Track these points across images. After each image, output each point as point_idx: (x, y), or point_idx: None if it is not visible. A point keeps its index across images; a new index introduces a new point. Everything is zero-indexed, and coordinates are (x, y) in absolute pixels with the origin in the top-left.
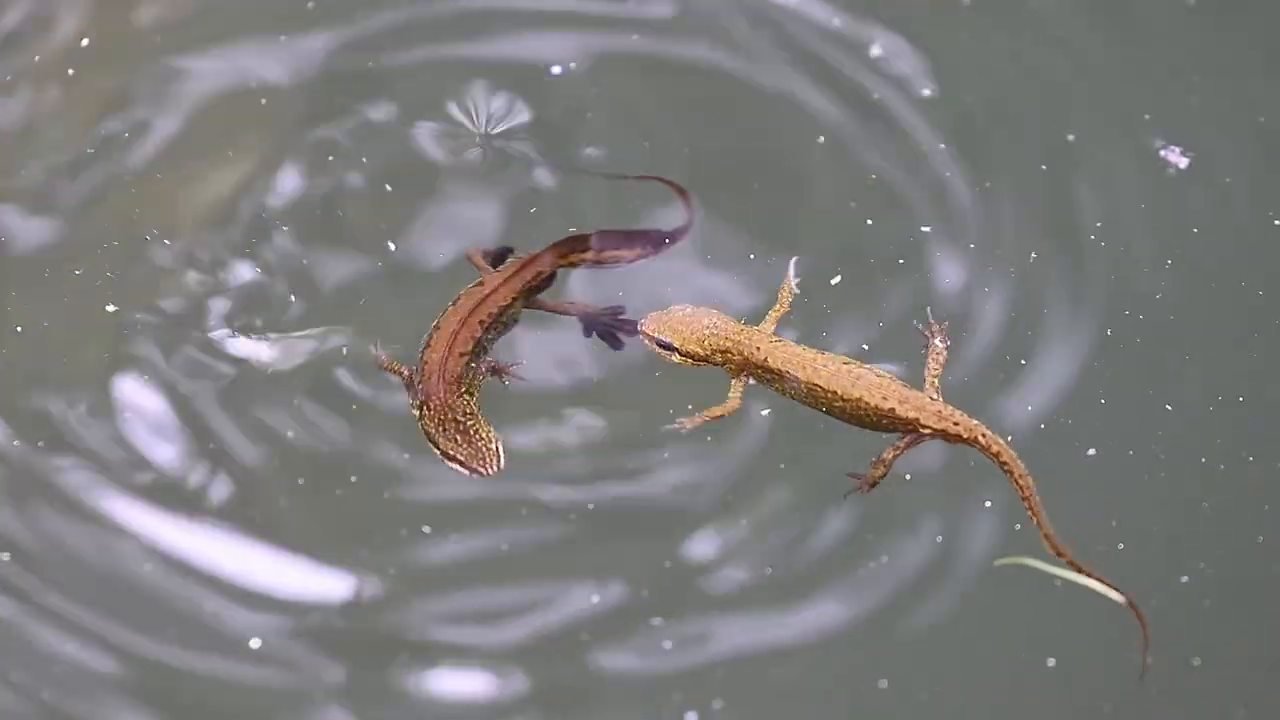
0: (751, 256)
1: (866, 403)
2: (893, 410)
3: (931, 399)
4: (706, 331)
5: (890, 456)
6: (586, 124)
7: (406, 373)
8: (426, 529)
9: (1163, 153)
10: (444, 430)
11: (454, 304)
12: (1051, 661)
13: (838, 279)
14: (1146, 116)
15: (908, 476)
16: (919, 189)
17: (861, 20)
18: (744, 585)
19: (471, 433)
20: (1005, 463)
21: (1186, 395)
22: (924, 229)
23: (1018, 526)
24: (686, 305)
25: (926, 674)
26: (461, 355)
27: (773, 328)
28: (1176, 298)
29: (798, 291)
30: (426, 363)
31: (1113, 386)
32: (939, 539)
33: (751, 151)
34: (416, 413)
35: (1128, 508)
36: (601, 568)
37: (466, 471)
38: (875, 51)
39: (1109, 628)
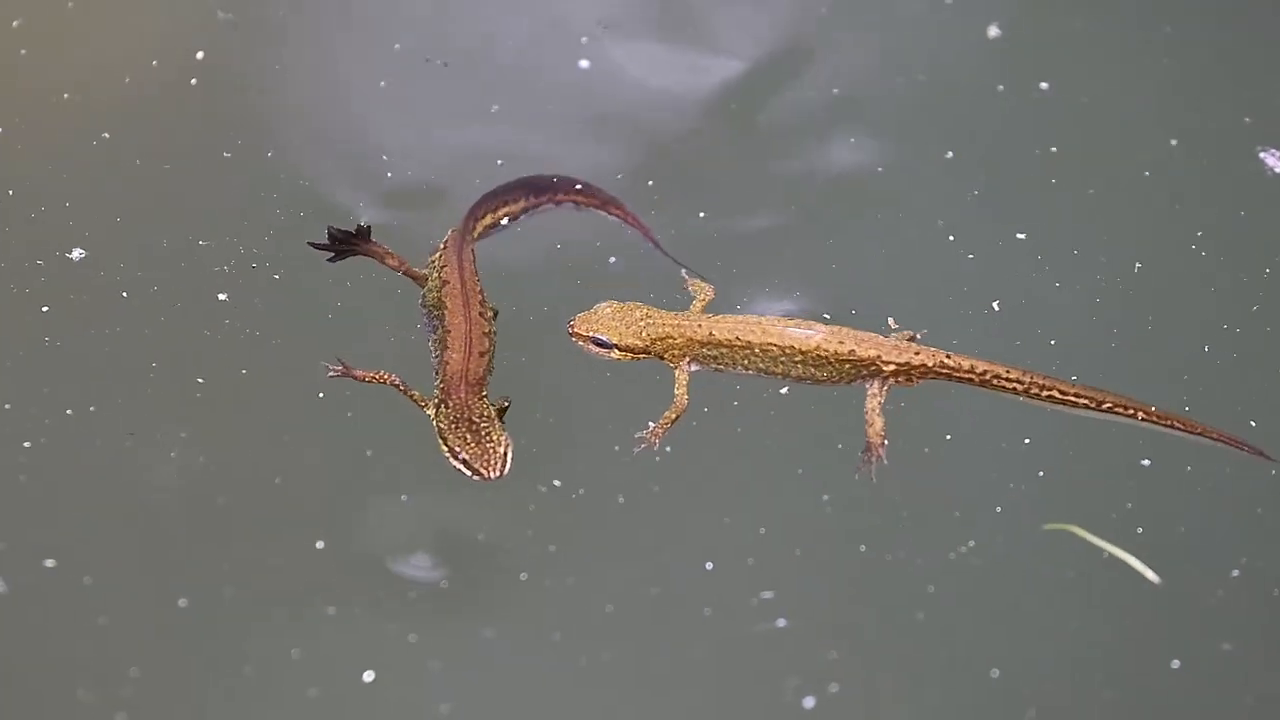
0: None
1: (825, 349)
2: (853, 352)
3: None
4: (642, 323)
5: (874, 405)
6: None
7: (396, 380)
8: None
9: (1261, 155)
10: (456, 428)
11: (445, 311)
12: (1176, 663)
13: (892, 320)
14: (1247, 120)
15: (948, 436)
16: (1016, 194)
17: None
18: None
19: (483, 435)
20: (984, 373)
21: (1274, 410)
22: (1018, 234)
23: (1040, 473)
24: (610, 301)
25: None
26: (482, 355)
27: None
28: (1274, 308)
29: (710, 285)
30: (448, 363)
31: (1200, 398)
32: (997, 509)
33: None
34: (431, 411)
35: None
36: None
37: (469, 472)
38: (993, 32)
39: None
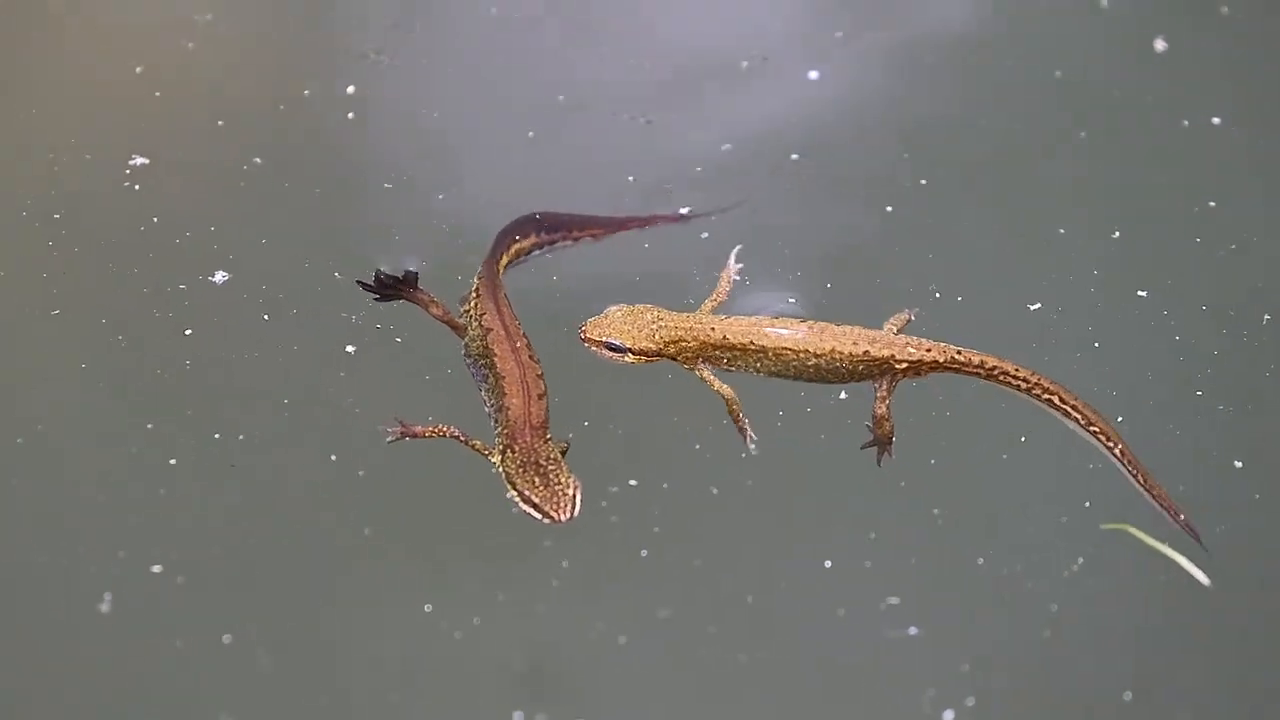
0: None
1: (840, 352)
2: (867, 353)
3: (895, 335)
4: (654, 326)
5: (883, 410)
6: None
7: (456, 432)
8: None
9: None
10: (523, 472)
11: (494, 358)
12: None
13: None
14: None
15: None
16: (1153, 249)
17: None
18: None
19: (551, 477)
20: (994, 368)
21: None
22: (1140, 292)
23: (1092, 466)
24: (620, 305)
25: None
26: (540, 397)
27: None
28: None
29: (737, 278)
30: (509, 409)
31: None
32: (1086, 504)
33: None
34: (497, 459)
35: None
36: None
37: (539, 515)
38: (1160, 46)
39: None
